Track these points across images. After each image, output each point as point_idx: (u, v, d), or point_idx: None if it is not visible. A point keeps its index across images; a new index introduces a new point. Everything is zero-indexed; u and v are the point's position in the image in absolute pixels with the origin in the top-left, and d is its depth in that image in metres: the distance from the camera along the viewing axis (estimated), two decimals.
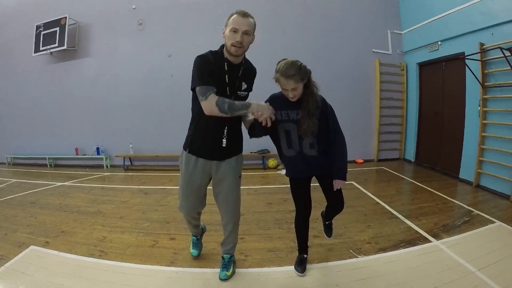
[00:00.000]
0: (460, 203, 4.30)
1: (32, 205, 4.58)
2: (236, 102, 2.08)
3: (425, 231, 3.33)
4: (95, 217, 3.99)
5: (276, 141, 2.42)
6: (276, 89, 2.34)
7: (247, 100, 2.24)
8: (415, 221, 3.62)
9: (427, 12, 6.42)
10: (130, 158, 7.78)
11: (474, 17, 5.15)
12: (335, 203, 2.54)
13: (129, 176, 6.85)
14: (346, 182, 2.35)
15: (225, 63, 2.18)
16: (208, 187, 2.48)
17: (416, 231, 3.37)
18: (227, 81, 2.18)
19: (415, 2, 6.96)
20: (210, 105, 2.03)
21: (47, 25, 7.58)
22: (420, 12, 6.71)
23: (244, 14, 2.09)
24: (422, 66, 7.06)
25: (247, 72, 2.31)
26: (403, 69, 7.46)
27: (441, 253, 2.85)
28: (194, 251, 2.88)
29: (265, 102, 2.31)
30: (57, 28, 7.44)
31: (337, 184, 2.32)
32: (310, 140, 2.28)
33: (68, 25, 7.42)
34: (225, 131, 2.25)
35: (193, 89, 2.13)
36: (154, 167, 7.55)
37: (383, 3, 7.49)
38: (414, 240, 3.15)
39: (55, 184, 5.95)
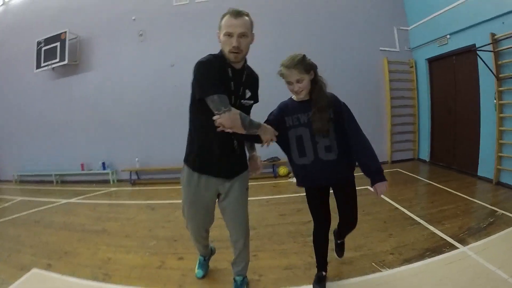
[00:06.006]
0: (483, 203, 4.09)
1: (36, 224, 4.48)
2: (254, 121, 1.93)
3: (450, 237, 3.12)
4: (100, 236, 3.85)
5: (286, 149, 2.24)
6: (282, 90, 2.23)
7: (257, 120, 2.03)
8: (438, 226, 3.41)
9: (434, 5, 6.21)
10: (136, 172, 7.64)
11: (483, 7, 4.96)
12: (348, 219, 2.33)
13: (136, 191, 6.72)
14: (386, 182, 2.18)
15: (229, 69, 1.96)
16: None
17: (441, 237, 3.15)
18: (232, 88, 1.97)
19: None
20: (234, 118, 1.80)
21: (48, 41, 7.52)
22: (426, 5, 6.50)
23: (237, 14, 1.87)
24: (432, 61, 6.85)
25: (250, 78, 2.10)
26: (412, 66, 7.25)
27: (470, 260, 2.65)
28: (199, 272, 2.70)
29: (274, 112, 2.19)
30: (58, 43, 7.38)
31: (380, 188, 2.12)
32: (327, 143, 2.09)
33: (69, 39, 7.35)
34: (235, 145, 2.07)
35: (201, 99, 1.87)
36: (162, 180, 7.39)
37: None
38: (440, 247, 2.94)
39: (60, 201, 5.82)
